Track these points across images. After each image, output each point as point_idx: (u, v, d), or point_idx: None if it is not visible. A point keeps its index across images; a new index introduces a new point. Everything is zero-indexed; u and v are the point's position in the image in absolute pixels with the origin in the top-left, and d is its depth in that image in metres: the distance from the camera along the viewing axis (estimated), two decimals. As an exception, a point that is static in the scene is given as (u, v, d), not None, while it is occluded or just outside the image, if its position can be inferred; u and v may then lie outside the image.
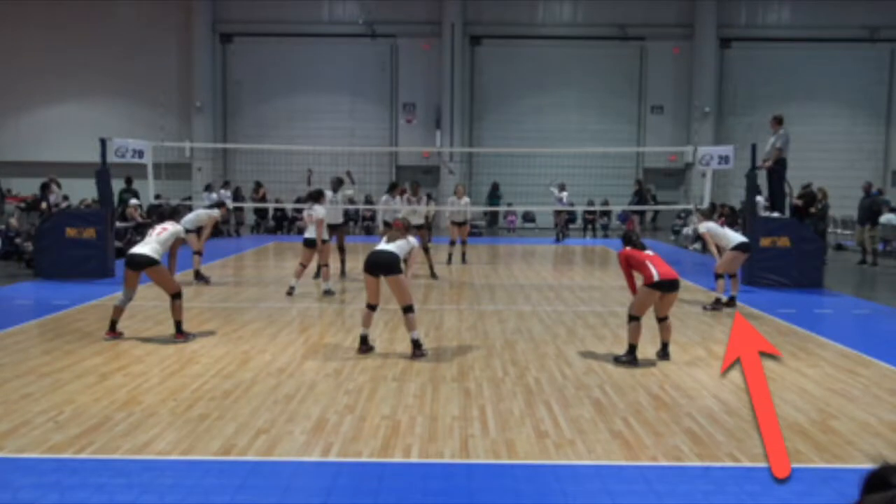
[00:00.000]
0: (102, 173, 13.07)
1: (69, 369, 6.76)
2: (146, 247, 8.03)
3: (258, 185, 23.10)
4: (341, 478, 4.50)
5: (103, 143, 13.13)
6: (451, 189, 25.57)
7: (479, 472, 4.58)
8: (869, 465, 4.41)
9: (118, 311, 8.11)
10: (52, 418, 5.40)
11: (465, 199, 15.91)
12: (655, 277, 7.14)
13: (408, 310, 7.32)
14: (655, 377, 6.79)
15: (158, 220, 8.51)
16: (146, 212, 19.18)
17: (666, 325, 7.55)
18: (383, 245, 7.46)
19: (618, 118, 27.73)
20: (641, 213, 26.19)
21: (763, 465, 4.68)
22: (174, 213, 8.83)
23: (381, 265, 7.27)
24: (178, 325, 8.05)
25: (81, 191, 20.19)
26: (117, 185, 16.26)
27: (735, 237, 10.70)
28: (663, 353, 7.53)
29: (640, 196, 23.47)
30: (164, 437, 5.05)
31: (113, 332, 8.08)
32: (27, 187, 23.65)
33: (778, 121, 13.22)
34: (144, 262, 7.90)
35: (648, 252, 7.48)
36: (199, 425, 5.30)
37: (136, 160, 13.63)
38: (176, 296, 8.01)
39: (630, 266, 7.49)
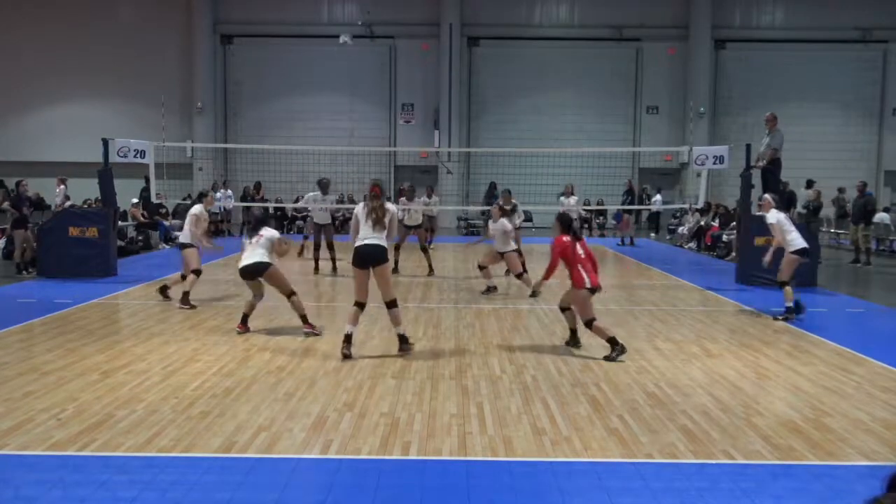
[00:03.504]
0: (105, 173, 13.13)
1: (72, 367, 6.81)
2: (254, 255, 8.41)
3: (258, 185, 23.21)
4: (341, 474, 4.54)
5: (105, 143, 13.19)
6: (450, 189, 25.78)
7: (477, 469, 4.63)
8: (862, 462, 4.46)
9: (250, 306, 8.60)
10: (54, 416, 5.44)
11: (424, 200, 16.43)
12: (587, 284, 7.52)
13: (391, 304, 7.35)
14: (651, 375, 6.85)
15: (253, 228, 8.73)
16: (148, 211, 19.27)
17: (571, 315, 7.87)
18: (368, 233, 7.29)
19: (614, 118, 27.85)
20: (637, 213, 26.27)
21: (758, 462, 4.77)
22: (266, 220, 8.98)
23: (371, 257, 7.22)
24: (303, 318, 8.41)
25: (85, 190, 20.24)
26: (126, 184, 16.29)
27: (798, 240, 9.86)
28: (572, 341, 7.90)
29: (631, 195, 23.58)
30: (165, 435, 5.10)
31: (244, 325, 8.53)
32: (32, 187, 23.73)
33: (774, 119, 13.25)
34: (260, 270, 8.37)
35: (580, 251, 7.66)
36: (200, 423, 5.35)
37: (138, 160, 13.69)
38: (291, 294, 8.46)
39: (562, 257, 7.65)
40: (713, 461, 4.79)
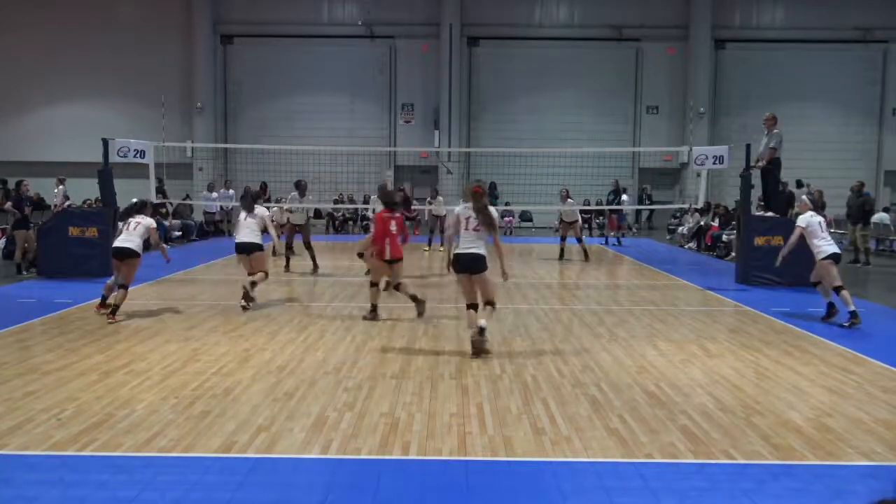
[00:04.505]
0: (105, 173, 13.13)
1: (71, 367, 6.82)
2: (128, 241, 9.28)
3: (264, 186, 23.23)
4: (340, 474, 4.54)
5: (105, 143, 13.19)
6: (450, 189, 25.77)
7: (477, 469, 4.63)
8: (862, 462, 4.45)
9: (110, 289, 9.38)
10: (54, 416, 5.45)
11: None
12: (386, 256, 9.04)
13: (488, 303, 7.51)
14: (651, 375, 6.85)
15: (126, 215, 9.67)
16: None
17: (376, 292, 9.31)
18: (467, 241, 7.34)
19: (614, 118, 27.85)
20: (637, 212, 26.31)
21: (758, 462, 4.77)
22: (143, 207, 9.83)
23: (469, 267, 7.33)
24: (115, 308, 9.02)
25: (85, 190, 20.26)
26: (126, 184, 16.27)
27: (826, 246, 9.45)
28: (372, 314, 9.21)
29: (617, 194, 23.64)
30: (165, 435, 5.10)
31: (105, 307, 9.28)
32: (32, 187, 23.81)
33: (773, 119, 13.26)
34: (127, 254, 9.20)
35: (393, 227, 9.10)
36: (200, 422, 5.35)
37: (138, 160, 13.70)
38: (127, 286, 9.22)
39: (379, 227, 9.15)
40: (713, 461, 4.79)
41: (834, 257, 9.37)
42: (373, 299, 9.29)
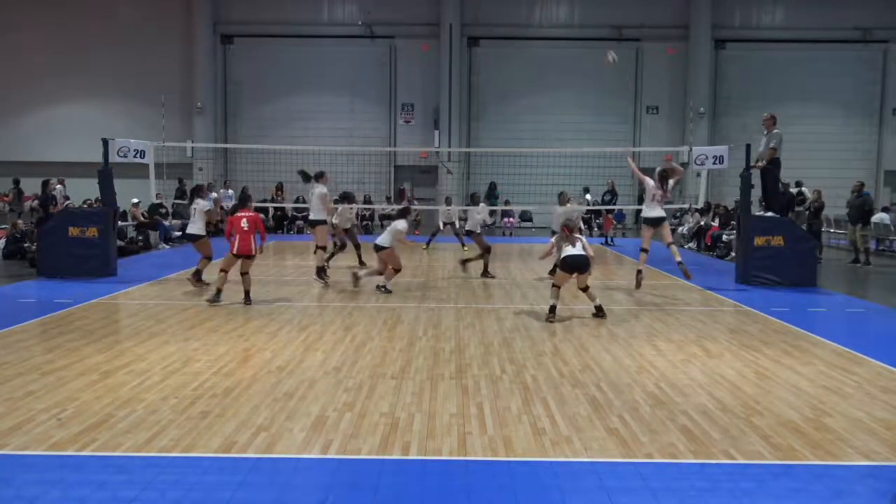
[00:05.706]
0: (105, 173, 13.14)
1: (72, 367, 6.82)
2: (193, 227, 11.73)
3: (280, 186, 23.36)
4: (340, 474, 4.55)
5: (105, 143, 13.20)
6: (450, 189, 25.80)
7: (477, 469, 4.63)
8: (862, 462, 4.46)
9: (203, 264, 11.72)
10: (54, 416, 5.45)
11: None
12: (234, 251, 10.14)
13: (585, 289, 9.66)
14: (651, 375, 6.85)
15: (190, 200, 12.16)
16: (148, 210, 19.38)
17: (223, 277, 10.34)
18: (575, 250, 9.32)
19: (614, 118, 27.86)
20: (637, 212, 26.21)
21: (758, 462, 4.78)
22: (196, 192, 12.23)
23: (579, 266, 9.35)
24: (198, 272, 11.64)
25: (85, 190, 20.28)
26: (126, 184, 16.31)
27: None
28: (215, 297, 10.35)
29: (613, 194, 23.66)
30: (165, 435, 5.10)
31: (200, 280, 11.45)
32: (33, 186, 23.86)
33: (773, 119, 13.25)
34: (194, 238, 11.73)
35: (244, 225, 10.12)
36: (200, 422, 5.36)
37: (138, 160, 13.70)
38: (208, 258, 11.65)
39: (231, 226, 10.28)
40: (713, 461, 4.79)
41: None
42: (218, 283, 10.35)
